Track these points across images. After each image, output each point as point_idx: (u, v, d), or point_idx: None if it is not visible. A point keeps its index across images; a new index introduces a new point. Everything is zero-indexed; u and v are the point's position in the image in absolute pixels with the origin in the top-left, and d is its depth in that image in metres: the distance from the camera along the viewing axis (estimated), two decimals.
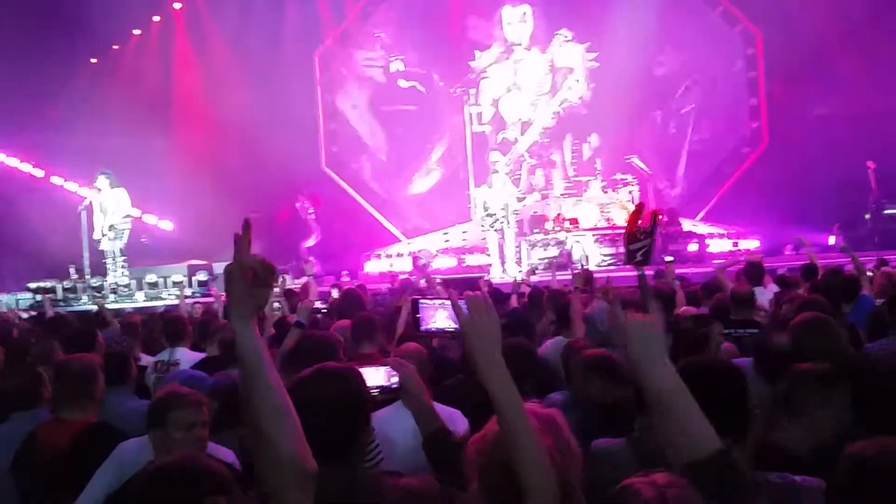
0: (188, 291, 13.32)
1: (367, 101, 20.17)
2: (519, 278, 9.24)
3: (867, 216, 16.00)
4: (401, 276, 12.52)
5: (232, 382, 3.45)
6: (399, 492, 1.77)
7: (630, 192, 17.82)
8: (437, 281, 10.57)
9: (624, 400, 3.05)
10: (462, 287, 8.95)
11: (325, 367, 2.21)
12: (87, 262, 14.34)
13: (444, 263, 16.82)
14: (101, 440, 3.39)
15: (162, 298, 13.65)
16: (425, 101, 19.98)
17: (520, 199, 17.16)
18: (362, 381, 2.24)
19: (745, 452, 2.21)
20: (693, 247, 15.86)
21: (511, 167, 18.71)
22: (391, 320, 5.77)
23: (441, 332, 2.40)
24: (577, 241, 15.69)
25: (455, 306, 1.97)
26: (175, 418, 3.04)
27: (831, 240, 14.12)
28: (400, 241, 19.52)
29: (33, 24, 15.67)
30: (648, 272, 2.18)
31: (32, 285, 14.11)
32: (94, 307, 9.69)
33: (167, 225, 18.09)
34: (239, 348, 1.69)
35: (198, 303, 9.89)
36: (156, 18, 18.91)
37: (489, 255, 15.20)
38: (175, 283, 13.73)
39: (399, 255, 18.21)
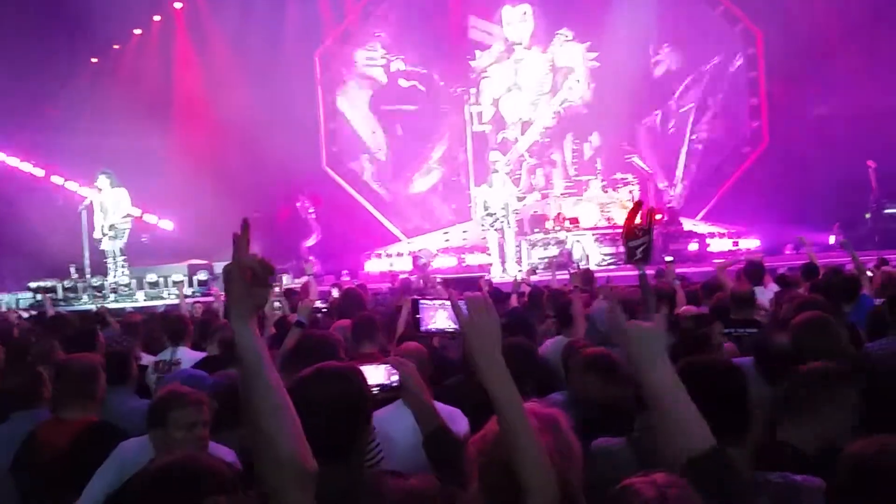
0: (188, 291, 13.33)
1: (368, 101, 20.17)
2: (519, 278, 9.24)
3: (868, 216, 15.99)
4: (401, 276, 12.52)
5: (232, 382, 3.45)
6: (399, 491, 1.76)
7: (630, 192, 17.84)
8: (438, 280, 10.58)
9: (623, 399, 3.04)
10: (462, 287, 8.96)
11: (325, 367, 2.21)
12: (87, 262, 14.34)
13: (444, 263, 16.82)
14: (102, 440, 3.38)
15: (162, 298, 13.66)
16: (426, 101, 19.98)
17: (520, 199, 17.17)
18: (363, 380, 2.24)
19: (746, 452, 2.21)
20: (693, 246, 15.86)
21: (511, 167, 18.71)
22: (391, 320, 5.76)
23: (441, 333, 2.40)
24: (578, 241, 15.69)
25: (455, 307, 1.97)
26: (176, 418, 3.04)
27: (831, 239, 14.10)
28: (400, 240, 19.52)
29: (34, 23, 15.68)
30: (649, 271, 2.17)
31: (33, 285, 14.11)
32: (95, 308, 9.70)
33: (167, 224, 18.09)
34: (238, 348, 1.69)
35: (198, 302, 9.89)
36: (156, 18, 18.91)
37: (489, 254, 15.20)
38: (175, 283, 13.73)
39: (399, 254, 18.22)
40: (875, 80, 15.94)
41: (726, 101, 19.05)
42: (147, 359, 5.67)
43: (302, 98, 19.08)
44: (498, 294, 7.72)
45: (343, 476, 1.96)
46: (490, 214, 14.41)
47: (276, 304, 6.98)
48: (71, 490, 3.10)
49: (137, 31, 18.66)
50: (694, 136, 19.26)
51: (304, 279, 10.60)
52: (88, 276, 14.33)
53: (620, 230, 2.76)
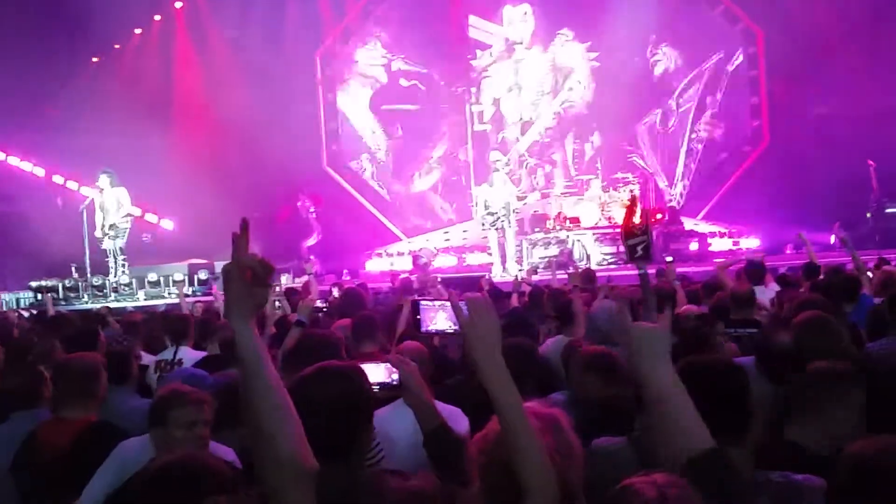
0: (189, 290, 13.34)
1: (368, 101, 20.17)
2: (519, 277, 9.23)
3: (869, 215, 15.98)
4: (401, 276, 12.52)
5: (232, 382, 3.44)
6: (400, 491, 1.76)
7: (631, 191, 17.83)
8: (438, 280, 10.58)
9: (624, 399, 3.04)
10: (463, 286, 8.97)
11: (327, 366, 2.21)
12: (88, 261, 14.35)
13: (444, 262, 16.83)
14: (103, 439, 3.38)
15: (163, 297, 13.67)
16: (426, 101, 19.98)
17: (520, 198, 17.17)
18: (365, 379, 2.23)
19: (746, 452, 2.21)
20: (694, 246, 15.86)
21: (512, 166, 18.71)
22: (392, 319, 5.76)
23: (442, 334, 2.40)
24: (578, 240, 15.69)
25: (455, 307, 1.97)
26: (176, 417, 3.04)
27: (832, 239, 14.08)
28: (400, 239, 19.53)
29: (34, 23, 15.68)
30: (650, 271, 2.18)
31: (34, 284, 14.12)
32: (97, 308, 9.70)
33: (168, 224, 18.09)
34: (238, 348, 1.69)
35: (199, 302, 9.89)
36: (157, 18, 18.91)
37: (490, 254, 15.20)
38: (176, 283, 13.74)
39: (400, 253, 18.22)
40: (876, 79, 15.94)
41: (727, 100, 19.05)
42: (147, 358, 5.67)
43: (302, 97, 19.09)
44: (497, 293, 7.71)
45: (344, 476, 1.96)
46: (491, 214, 14.41)
47: (277, 303, 6.98)
48: (72, 490, 3.10)
49: (138, 31, 18.66)
50: (694, 136, 19.27)
51: (304, 279, 10.59)
52: (89, 275, 14.34)
53: (619, 230, 2.76)
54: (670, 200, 18.68)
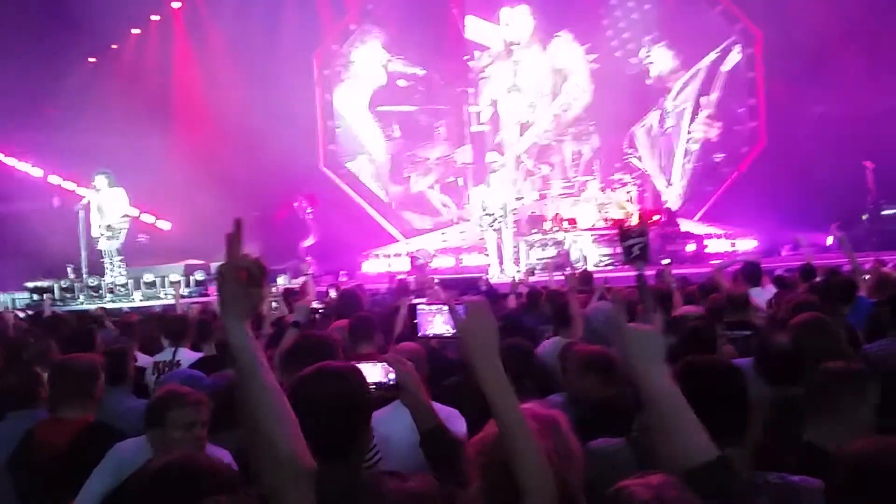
0: (185, 291, 13.33)
1: (366, 101, 20.17)
2: (517, 278, 9.24)
3: (864, 217, 16.00)
4: (399, 276, 12.51)
5: (228, 383, 3.44)
6: (399, 492, 1.76)
7: (628, 193, 17.86)
8: (435, 281, 10.58)
9: (622, 399, 3.04)
10: (460, 287, 8.96)
11: (326, 366, 2.21)
12: (84, 262, 14.32)
13: (442, 263, 16.83)
14: (100, 440, 3.38)
15: (159, 298, 13.65)
16: (424, 101, 19.99)
17: (518, 199, 17.19)
18: (363, 380, 2.23)
19: (745, 452, 2.21)
20: (691, 247, 15.87)
21: (509, 167, 18.73)
22: (389, 320, 5.75)
23: (439, 338, 2.40)
24: (575, 241, 15.70)
25: (452, 310, 1.97)
26: (174, 418, 3.04)
27: (829, 240, 14.13)
28: (398, 240, 19.52)
29: (33, 23, 15.66)
30: (650, 273, 2.18)
31: (30, 285, 14.10)
32: (94, 310, 9.68)
33: (165, 224, 18.07)
34: (233, 349, 1.68)
35: (195, 302, 9.88)
36: (155, 18, 18.90)
37: (487, 254, 15.20)
38: (172, 283, 13.73)
39: (397, 254, 18.22)
40: (874, 80, 15.96)
41: (724, 101, 19.09)
42: (144, 359, 5.65)
43: (300, 98, 19.07)
44: (495, 295, 7.71)
45: (342, 476, 1.95)
46: (488, 215, 14.42)
47: (274, 304, 6.97)
48: (69, 490, 3.10)
49: (136, 31, 18.65)
50: (692, 137, 19.28)
51: (301, 279, 10.60)
52: (85, 276, 14.32)
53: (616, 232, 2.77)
54: (667, 202, 18.69)
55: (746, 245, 16.24)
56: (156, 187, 16.20)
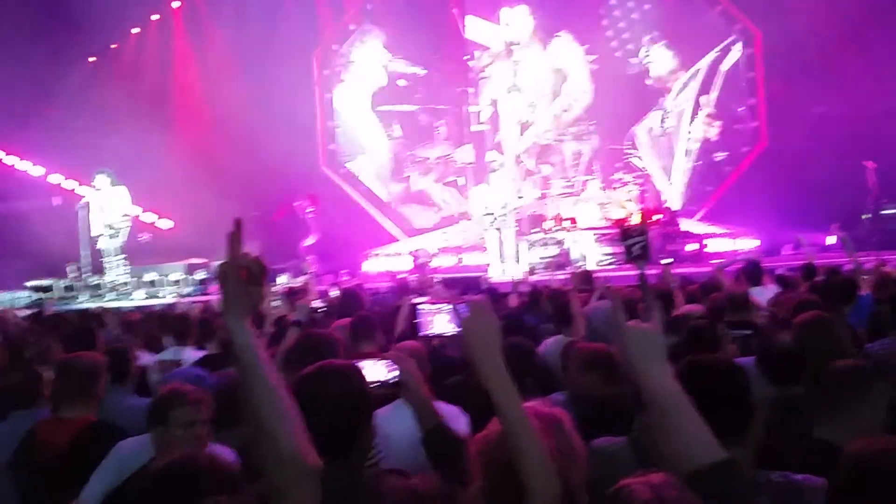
0: (187, 290, 13.34)
1: (366, 100, 20.17)
2: (518, 277, 9.24)
3: (865, 217, 15.99)
4: (399, 276, 12.52)
5: (231, 381, 3.44)
6: (401, 491, 1.76)
7: (629, 192, 17.85)
8: (436, 280, 10.59)
9: (623, 397, 3.04)
10: (461, 286, 8.97)
11: (328, 365, 2.21)
12: (85, 261, 14.32)
13: (442, 262, 16.83)
14: (102, 439, 3.38)
15: (161, 297, 13.66)
16: (424, 101, 19.99)
17: (519, 199, 17.19)
18: (364, 379, 2.23)
19: (747, 451, 2.21)
20: (691, 247, 15.86)
21: (510, 166, 18.72)
22: (390, 319, 5.75)
23: (440, 337, 2.40)
24: (576, 241, 15.70)
25: (454, 309, 1.97)
26: (177, 416, 3.04)
27: (829, 240, 14.10)
28: (399, 240, 19.52)
29: (33, 22, 15.66)
30: (652, 272, 2.18)
31: (31, 284, 14.10)
32: (95, 307, 9.69)
33: (166, 223, 18.08)
34: (235, 347, 1.68)
35: (197, 301, 9.88)
36: (154, 17, 18.90)
37: (488, 254, 15.20)
38: (174, 282, 13.74)
39: (398, 254, 18.22)
40: (875, 80, 15.94)
41: (725, 101, 19.07)
42: (146, 358, 5.66)
43: (300, 97, 19.08)
44: (496, 294, 7.71)
45: (344, 475, 1.95)
46: (489, 214, 14.42)
47: (275, 302, 6.97)
48: (70, 489, 3.10)
49: (136, 30, 18.66)
50: (692, 136, 19.27)
51: (303, 278, 10.60)
52: (86, 275, 14.33)
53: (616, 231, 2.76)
54: (667, 201, 18.68)
55: (747, 244, 16.23)
56: (156, 186, 16.20)
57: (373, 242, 19.02)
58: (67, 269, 14.57)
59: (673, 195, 19.10)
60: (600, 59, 19.30)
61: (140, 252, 15.43)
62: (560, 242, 15.78)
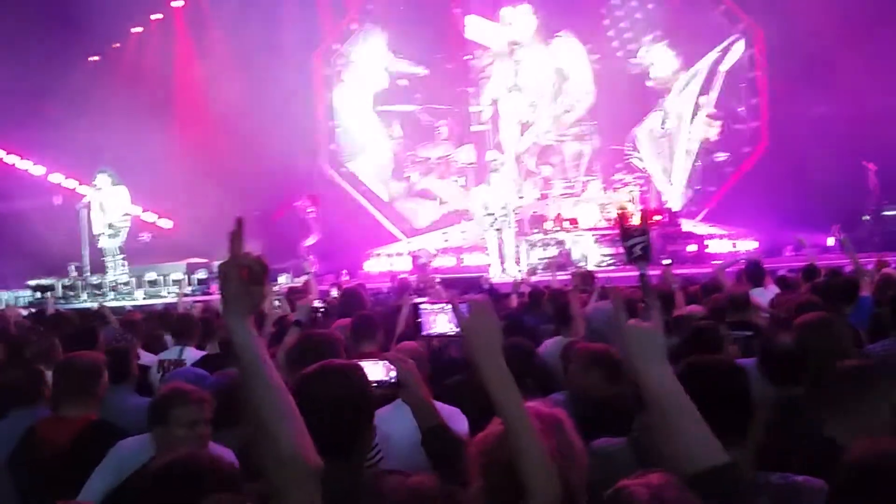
0: (187, 290, 13.34)
1: (367, 100, 20.16)
2: (518, 278, 9.24)
3: (865, 218, 15.98)
4: (400, 276, 12.52)
5: (231, 381, 3.44)
6: (401, 491, 1.76)
7: (630, 193, 17.85)
8: (437, 280, 10.59)
9: (623, 397, 3.04)
10: (462, 286, 8.97)
11: (329, 364, 2.21)
12: (86, 260, 14.34)
13: (443, 263, 16.83)
14: (102, 438, 3.38)
15: (162, 296, 13.66)
16: (425, 101, 19.99)
17: (519, 199, 17.19)
18: (365, 378, 2.23)
19: (747, 452, 2.21)
20: (692, 247, 15.85)
21: (511, 167, 18.73)
22: (391, 319, 5.75)
23: (442, 336, 2.40)
24: (577, 242, 15.70)
25: (455, 309, 1.97)
26: (178, 415, 3.04)
27: (830, 241, 14.10)
28: (399, 240, 19.52)
29: (34, 21, 15.67)
30: (654, 272, 2.17)
31: (32, 283, 14.11)
32: (96, 306, 9.69)
33: (167, 223, 18.08)
34: (236, 347, 1.68)
35: (198, 301, 9.88)
36: (156, 17, 18.91)
37: (488, 254, 15.20)
38: (175, 282, 13.74)
39: (399, 254, 18.22)
40: (876, 80, 15.93)
41: (726, 101, 19.05)
42: (147, 357, 5.66)
43: (301, 97, 19.08)
44: (496, 294, 7.71)
45: (344, 475, 1.95)
46: (489, 214, 14.41)
47: (276, 302, 6.97)
48: (71, 488, 3.09)
49: (137, 30, 18.67)
50: (693, 137, 19.26)
51: (303, 278, 10.60)
52: (87, 274, 14.34)
53: (617, 232, 2.75)
54: (668, 202, 18.67)
55: (748, 245, 16.23)
56: (157, 186, 16.21)
57: (373, 242, 19.02)
58: (68, 269, 14.57)
59: (674, 196, 19.09)
60: (602, 58, 19.29)
61: (140, 252, 15.44)
62: (561, 243, 15.78)
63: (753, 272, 7.30)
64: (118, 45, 18.46)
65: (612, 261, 15.22)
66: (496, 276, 13.65)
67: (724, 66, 18.97)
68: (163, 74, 18.44)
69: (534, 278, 10.99)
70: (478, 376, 1.89)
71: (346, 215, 19.03)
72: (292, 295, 7.84)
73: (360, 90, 20.18)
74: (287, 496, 1.66)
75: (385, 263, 17.72)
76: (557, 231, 16.12)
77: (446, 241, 18.78)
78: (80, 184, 16.31)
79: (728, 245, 16.51)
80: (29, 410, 3.83)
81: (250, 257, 1.69)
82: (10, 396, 3.92)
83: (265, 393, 1.67)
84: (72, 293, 14.17)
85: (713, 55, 19.00)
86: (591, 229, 16.41)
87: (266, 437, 1.66)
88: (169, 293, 13.72)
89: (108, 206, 13.85)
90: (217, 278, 1.73)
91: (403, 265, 16.67)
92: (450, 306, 2.15)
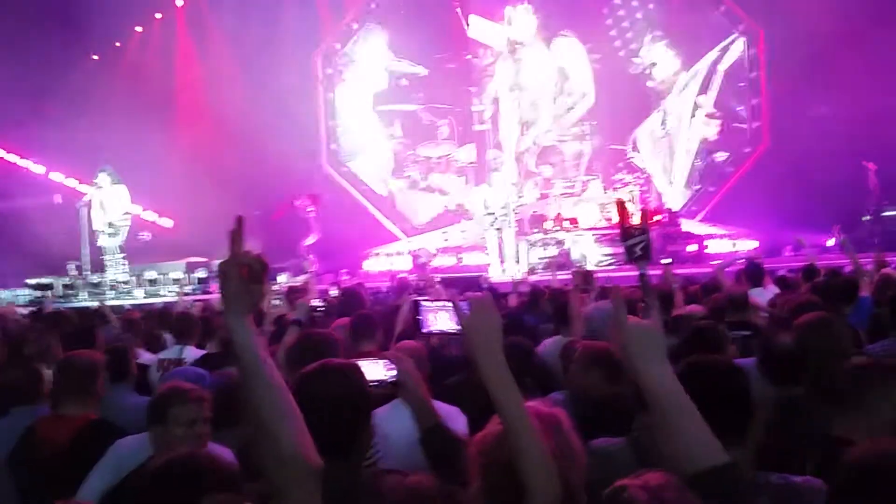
0: (187, 288, 13.34)
1: (368, 99, 20.17)
2: (518, 277, 9.24)
3: (866, 218, 15.98)
4: (400, 275, 12.52)
5: (231, 380, 3.44)
6: (399, 490, 1.76)
7: (630, 192, 17.85)
8: (437, 280, 10.58)
9: (623, 397, 3.03)
10: (462, 286, 8.96)
11: (328, 364, 2.20)
12: (86, 259, 14.33)
13: (443, 262, 16.84)
14: (101, 437, 3.38)
15: (161, 295, 13.66)
16: (426, 100, 19.99)
17: (519, 198, 17.19)
18: (364, 378, 2.23)
19: (747, 452, 2.20)
20: (692, 247, 15.85)
21: (511, 166, 18.72)
22: (390, 318, 5.75)
23: (442, 334, 2.40)
24: (576, 241, 15.70)
25: (456, 307, 1.97)
26: (177, 414, 3.03)
27: (830, 241, 14.10)
28: (399, 239, 19.52)
29: (35, 21, 15.68)
30: (655, 272, 2.17)
31: (31, 281, 14.11)
32: (96, 304, 9.69)
33: (167, 222, 18.08)
34: (235, 345, 1.68)
35: (197, 300, 9.88)
36: (158, 16, 18.92)
37: (488, 254, 15.21)
38: (175, 281, 13.74)
39: (399, 253, 18.22)
40: (876, 80, 15.93)
41: (726, 101, 19.05)
42: (146, 356, 5.65)
43: (302, 96, 19.10)
44: (495, 293, 7.70)
45: (343, 474, 1.95)
46: (490, 214, 14.41)
47: (276, 301, 6.97)
48: (70, 486, 3.09)
49: (139, 29, 18.67)
50: (693, 137, 19.26)
51: (303, 277, 10.61)
52: (87, 273, 14.34)
53: (617, 231, 2.74)
54: (668, 202, 18.67)
55: (747, 246, 16.23)
56: (157, 185, 16.21)
57: (373, 242, 19.02)
58: (68, 268, 14.57)
59: (674, 196, 19.09)
60: (604, 58, 19.29)
61: (140, 250, 15.44)
62: (561, 243, 15.78)
63: (753, 272, 7.29)
64: (119, 44, 18.45)
65: (612, 260, 15.22)
66: (496, 275, 13.66)
67: (724, 66, 18.98)
68: (163, 74, 18.44)
69: (533, 278, 10.99)
70: (477, 375, 1.89)
71: (346, 215, 19.03)
72: (292, 294, 7.83)
73: (361, 89, 20.19)
74: (287, 495, 1.66)
75: (385, 263, 17.72)
76: (557, 231, 16.13)
77: (446, 240, 18.79)
78: (81, 182, 16.31)
79: (728, 245, 16.52)
80: (29, 408, 3.82)
81: (250, 256, 1.68)
82: (10, 395, 3.91)
83: (265, 392, 1.66)
84: (71, 292, 14.17)
85: (713, 55, 19.00)
86: (591, 229, 16.42)
87: (266, 436, 1.66)
88: (169, 292, 13.71)
89: (109, 205, 13.86)
90: (217, 277, 1.72)
91: (403, 264, 16.67)
92: (450, 303, 2.14)
